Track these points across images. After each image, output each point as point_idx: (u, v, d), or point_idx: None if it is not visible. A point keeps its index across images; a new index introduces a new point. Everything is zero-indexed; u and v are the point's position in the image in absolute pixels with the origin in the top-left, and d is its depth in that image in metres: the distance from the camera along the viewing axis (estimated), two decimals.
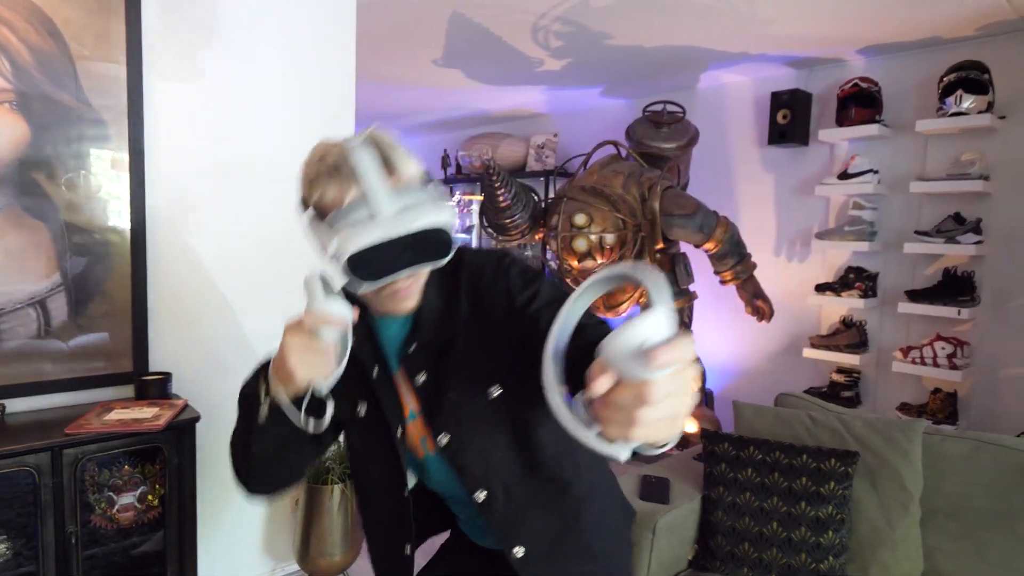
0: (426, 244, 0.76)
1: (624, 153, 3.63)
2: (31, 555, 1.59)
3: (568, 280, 3.59)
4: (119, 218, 1.89)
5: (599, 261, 3.31)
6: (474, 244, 5.67)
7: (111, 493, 1.73)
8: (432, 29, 3.06)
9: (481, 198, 3.64)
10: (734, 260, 3.37)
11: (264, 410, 0.80)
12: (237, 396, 0.87)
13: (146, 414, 1.71)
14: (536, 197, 3.66)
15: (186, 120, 2.01)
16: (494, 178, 3.24)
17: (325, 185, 0.76)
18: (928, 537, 1.63)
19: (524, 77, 3.96)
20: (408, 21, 2.94)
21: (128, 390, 1.92)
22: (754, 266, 3.41)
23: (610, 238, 3.27)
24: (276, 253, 2.23)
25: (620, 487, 1.08)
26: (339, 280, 0.79)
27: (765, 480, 1.68)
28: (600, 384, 0.52)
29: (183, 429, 1.73)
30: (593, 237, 3.26)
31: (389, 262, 0.75)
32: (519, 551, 0.89)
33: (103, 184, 1.87)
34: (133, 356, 1.92)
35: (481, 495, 0.88)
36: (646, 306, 0.52)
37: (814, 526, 1.60)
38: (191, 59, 2.00)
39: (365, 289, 0.78)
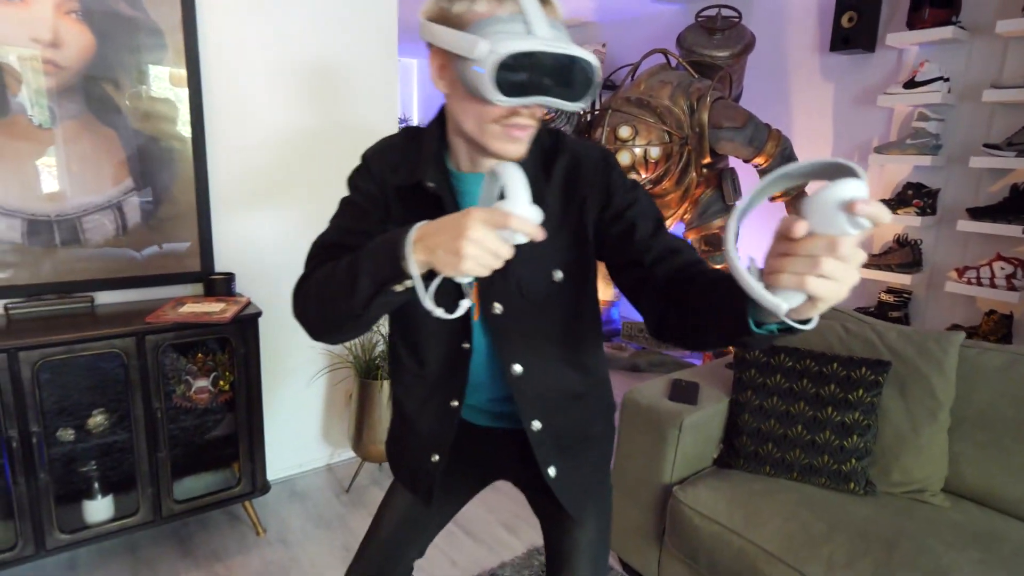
0: (572, 78, 0.75)
1: (674, 62, 3.49)
2: (125, 426, 1.82)
3: None
4: (182, 126, 1.99)
5: (643, 176, 3.28)
6: None
7: (188, 377, 1.93)
8: None
9: None
10: None
11: (403, 286, 0.73)
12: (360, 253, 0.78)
13: (215, 308, 1.87)
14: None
15: (237, 30, 2.05)
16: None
17: None
18: (954, 444, 1.67)
19: None
20: None
21: (197, 288, 2.09)
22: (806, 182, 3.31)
23: (655, 151, 3.21)
24: (328, 157, 2.30)
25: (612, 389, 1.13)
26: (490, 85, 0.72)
27: (793, 386, 1.73)
28: (799, 228, 0.55)
29: (247, 323, 1.89)
30: (637, 151, 3.20)
31: (535, 83, 0.73)
32: (536, 424, 0.96)
33: (164, 94, 1.95)
34: (200, 256, 2.07)
35: (518, 368, 0.92)
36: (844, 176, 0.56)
37: (839, 430, 1.66)
38: None
39: (499, 101, 0.74)
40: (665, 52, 3.45)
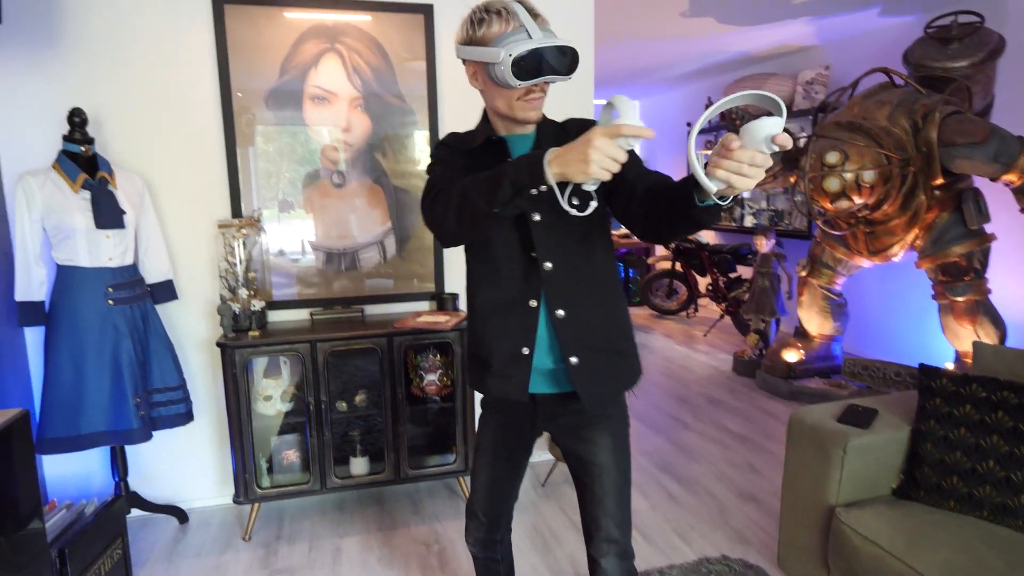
0: (561, 60, 1.14)
1: (899, 81, 3.27)
2: (377, 405, 2.43)
3: (819, 223, 3.44)
4: (423, 179, 2.60)
5: (857, 201, 3.12)
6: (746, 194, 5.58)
7: (422, 372, 2.49)
8: None
9: None
10: None
11: (539, 190, 1.00)
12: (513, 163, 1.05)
13: (441, 319, 2.41)
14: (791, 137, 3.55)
15: (462, 99, 2.62)
16: (736, 121, 3.28)
17: (491, 23, 1.13)
18: None
19: (783, 11, 3.78)
20: None
21: (432, 304, 2.67)
22: None
23: (869, 175, 3.05)
24: None
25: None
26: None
27: (986, 418, 1.61)
28: (734, 143, 0.87)
29: (464, 332, 2.39)
30: (848, 176, 3.08)
31: (539, 68, 1.12)
32: (560, 313, 1.21)
33: (413, 157, 2.59)
34: (434, 280, 2.66)
35: (548, 265, 1.21)
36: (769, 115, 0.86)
37: None
38: None
39: (521, 85, 1.13)
40: (886, 70, 3.27)
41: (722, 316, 5.45)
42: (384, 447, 2.41)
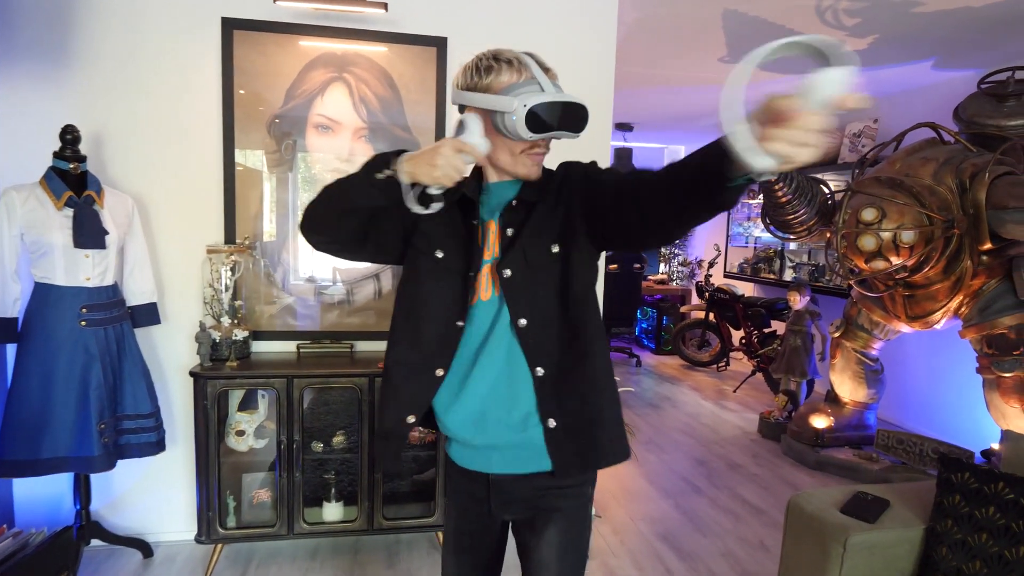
0: (572, 118, 1.07)
1: (947, 137, 3.05)
2: (355, 445, 2.31)
3: (852, 282, 3.20)
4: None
5: (894, 261, 2.88)
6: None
7: None
8: (707, 30, 3.10)
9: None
10: None
11: (384, 175, 1.03)
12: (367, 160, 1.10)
13: None
14: (827, 191, 3.35)
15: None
16: (779, 193, 3.11)
17: (500, 72, 1.07)
18: None
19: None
20: (680, 26, 3.05)
21: None
22: None
23: (908, 235, 2.82)
24: None
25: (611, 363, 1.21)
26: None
27: (1012, 524, 1.38)
28: (795, 107, 0.68)
29: None
30: (885, 235, 2.85)
31: (549, 123, 1.05)
32: (539, 371, 1.10)
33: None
34: None
35: (523, 322, 1.10)
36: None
37: None
38: None
39: (530, 138, 1.06)
40: (934, 126, 3.05)
41: (754, 372, 5.16)
42: (358, 493, 2.28)
